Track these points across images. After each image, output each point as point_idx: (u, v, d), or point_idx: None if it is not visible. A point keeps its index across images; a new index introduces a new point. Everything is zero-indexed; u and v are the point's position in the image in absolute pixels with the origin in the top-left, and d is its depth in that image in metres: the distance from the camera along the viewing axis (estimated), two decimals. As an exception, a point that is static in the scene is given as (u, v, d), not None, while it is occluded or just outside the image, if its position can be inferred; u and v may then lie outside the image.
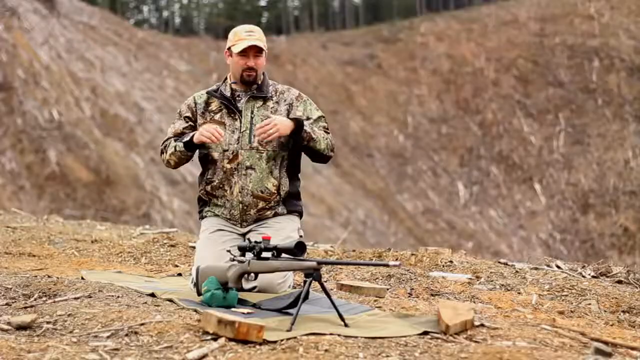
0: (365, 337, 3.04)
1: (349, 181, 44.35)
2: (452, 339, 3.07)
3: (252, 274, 3.73)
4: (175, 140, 4.25)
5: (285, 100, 4.26)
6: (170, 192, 32.60)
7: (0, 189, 28.89)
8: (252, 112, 4.20)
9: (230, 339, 2.88)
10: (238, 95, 4.25)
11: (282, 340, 2.93)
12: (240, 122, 4.20)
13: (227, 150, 4.19)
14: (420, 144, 50.38)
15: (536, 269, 5.33)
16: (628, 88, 51.68)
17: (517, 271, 5.12)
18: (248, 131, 4.17)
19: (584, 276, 5.15)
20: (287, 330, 3.07)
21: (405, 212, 44.99)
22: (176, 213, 31.41)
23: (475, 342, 3.04)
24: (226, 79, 4.34)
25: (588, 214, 46.08)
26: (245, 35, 4.17)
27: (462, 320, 3.21)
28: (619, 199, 46.32)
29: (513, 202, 47.64)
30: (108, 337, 2.93)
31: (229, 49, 4.24)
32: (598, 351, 2.90)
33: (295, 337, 2.97)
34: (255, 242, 3.62)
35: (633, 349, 3.11)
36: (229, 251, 3.81)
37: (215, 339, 2.89)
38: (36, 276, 4.18)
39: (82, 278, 4.34)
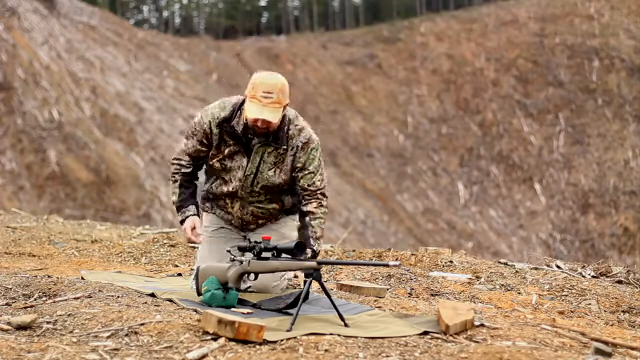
0: (365, 337, 3.04)
1: (349, 181, 44.35)
2: (452, 339, 3.07)
3: (252, 274, 3.73)
4: (179, 186, 4.21)
5: (292, 148, 3.97)
6: (170, 192, 32.61)
7: (0, 189, 28.90)
8: (261, 157, 3.97)
9: (230, 339, 2.88)
10: (251, 134, 3.94)
11: (282, 340, 2.93)
12: (248, 163, 3.99)
13: (229, 182, 4.06)
14: (420, 144, 50.39)
15: (536, 269, 5.33)
16: (628, 88, 51.69)
17: (517, 271, 5.12)
18: (253, 175, 4.00)
19: (584, 276, 5.15)
20: (287, 330, 3.07)
21: (405, 212, 44.99)
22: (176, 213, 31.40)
23: (475, 342, 3.04)
24: (242, 104, 3.97)
25: (588, 214, 46.09)
26: (261, 95, 3.77)
27: (462, 320, 3.21)
28: (619, 199, 46.34)
29: (513, 202, 47.65)
30: (108, 337, 2.93)
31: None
32: (598, 351, 2.90)
33: (295, 337, 2.97)
34: (255, 242, 3.62)
35: (633, 349, 3.11)
36: (229, 251, 3.81)
37: (215, 339, 2.89)
38: (36, 276, 4.18)
39: (82, 278, 4.34)
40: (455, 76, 54.09)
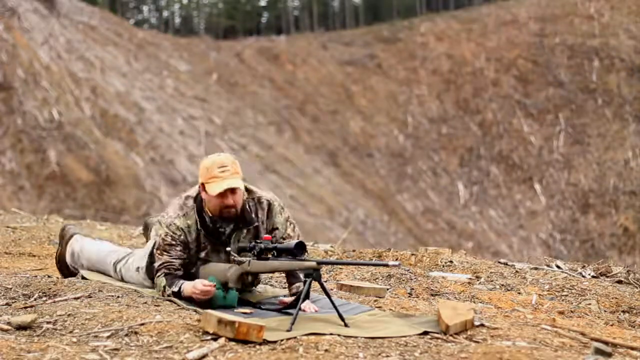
0: (365, 337, 3.04)
1: (349, 181, 44.34)
2: (452, 339, 3.07)
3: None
4: (167, 280, 3.81)
5: (262, 222, 3.92)
6: (170, 192, 32.61)
7: (0, 189, 28.91)
8: (237, 244, 3.87)
9: (230, 339, 2.88)
10: (221, 227, 3.85)
11: (282, 340, 2.94)
12: (227, 257, 3.88)
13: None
14: (420, 144, 50.38)
15: (536, 269, 5.33)
16: (628, 88, 51.69)
17: (517, 271, 5.12)
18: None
19: (584, 276, 5.14)
20: (287, 330, 3.08)
21: (405, 212, 44.99)
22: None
23: (475, 342, 3.04)
24: (202, 203, 3.86)
25: (588, 214, 46.09)
26: (218, 172, 3.71)
27: (462, 320, 3.21)
28: (619, 199, 46.34)
29: (513, 202, 47.65)
30: (108, 337, 2.93)
31: (202, 184, 3.78)
32: (598, 351, 2.90)
33: (295, 337, 2.97)
34: (256, 242, 3.62)
35: (633, 349, 3.11)
36: (229, 251, 3.80)
37: (215, 339, 2.89)
38: (36, 276, 4.18)
39: (82, 278, 4.34)
40: (455, 76, 54.08)
